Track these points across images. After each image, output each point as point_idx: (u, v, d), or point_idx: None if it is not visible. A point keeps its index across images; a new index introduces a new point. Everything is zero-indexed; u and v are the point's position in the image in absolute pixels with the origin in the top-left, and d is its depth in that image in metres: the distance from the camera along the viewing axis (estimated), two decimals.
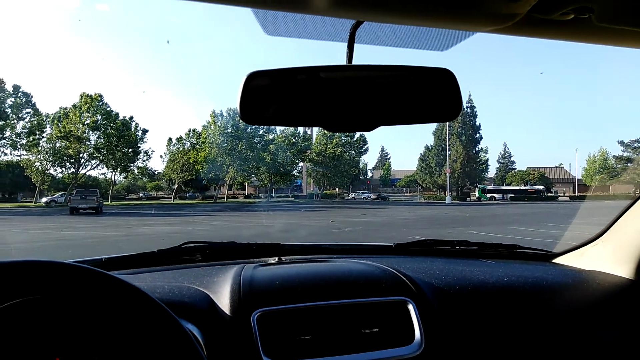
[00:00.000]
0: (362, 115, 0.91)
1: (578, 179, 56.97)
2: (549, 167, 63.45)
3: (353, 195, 55.74)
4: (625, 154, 49.74)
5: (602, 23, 0.71)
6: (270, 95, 0.90)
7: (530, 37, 0.82)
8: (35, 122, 41.71)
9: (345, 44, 0.89)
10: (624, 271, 1.42)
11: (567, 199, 49.98)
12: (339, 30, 0.87)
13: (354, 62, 0.90)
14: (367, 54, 0.94)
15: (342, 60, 0.90)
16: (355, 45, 0.89)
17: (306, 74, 0.88)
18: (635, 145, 48.80)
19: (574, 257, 1.63)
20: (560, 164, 66.04)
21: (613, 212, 1.50)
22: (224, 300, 1.15)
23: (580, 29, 0.77)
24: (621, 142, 49.40)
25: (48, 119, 42.22)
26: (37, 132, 41.53)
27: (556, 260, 1.69)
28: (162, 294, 1.11)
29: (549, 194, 51.28)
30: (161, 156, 56.56)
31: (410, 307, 1.17)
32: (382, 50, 1.07)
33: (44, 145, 41.81)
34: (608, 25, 0.72)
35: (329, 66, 0.88)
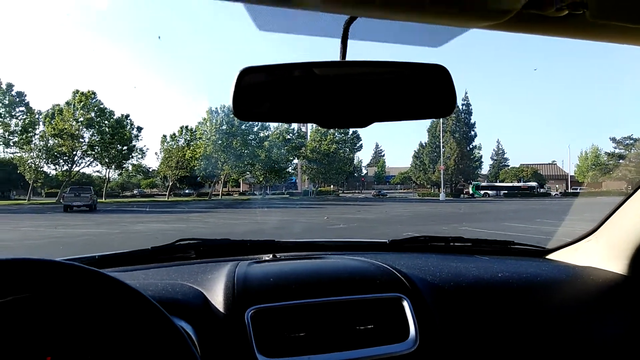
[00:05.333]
0: (356, 111, 0.90)
1: (571, 176, 57.31)
2: (542, 164, 63.85)
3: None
4: (617, 151, 50.17)
5: (596, 19, 0.70)
6: (263, 91, 0.89)
7: (524, 34, 0.82)
8: (28, 120, 41.35)
9: (339, 40, 0.88)
10: (617, 267, 1.43)
11: (559, 195, 50.31)
12: (333, 26, 0.87)
13: (348, 58, 0.89)
14: (361, 50, 0.93)
15: (336, 57, 0.89)
16: (349, 41, 0.89)
17: (300, 70, 0.88)
18: (627, 142, 49.21)
19: (567, 253, 1.64)
20: (553, 161, 66.59)
21: (604, 208, 1.51)
22: (217, 298, 1.14)
23: (574, 25, 0.77)
24: (613, 139, 49.87)
25: (41, 116, 41.88)
26: (30, 130, 41.19)
27: (550, 256, 1.70)
28: (154, 292, 1.10)
29: (541, 191, 51.60)
30: (156, 153, 56.24)
31: (405, 303, 1.17)
32: (376, 46, 1.06)
33: (37, 142, 41.51)
34: (602, 21, 0.72)
35: (323, 62, 0.88)
